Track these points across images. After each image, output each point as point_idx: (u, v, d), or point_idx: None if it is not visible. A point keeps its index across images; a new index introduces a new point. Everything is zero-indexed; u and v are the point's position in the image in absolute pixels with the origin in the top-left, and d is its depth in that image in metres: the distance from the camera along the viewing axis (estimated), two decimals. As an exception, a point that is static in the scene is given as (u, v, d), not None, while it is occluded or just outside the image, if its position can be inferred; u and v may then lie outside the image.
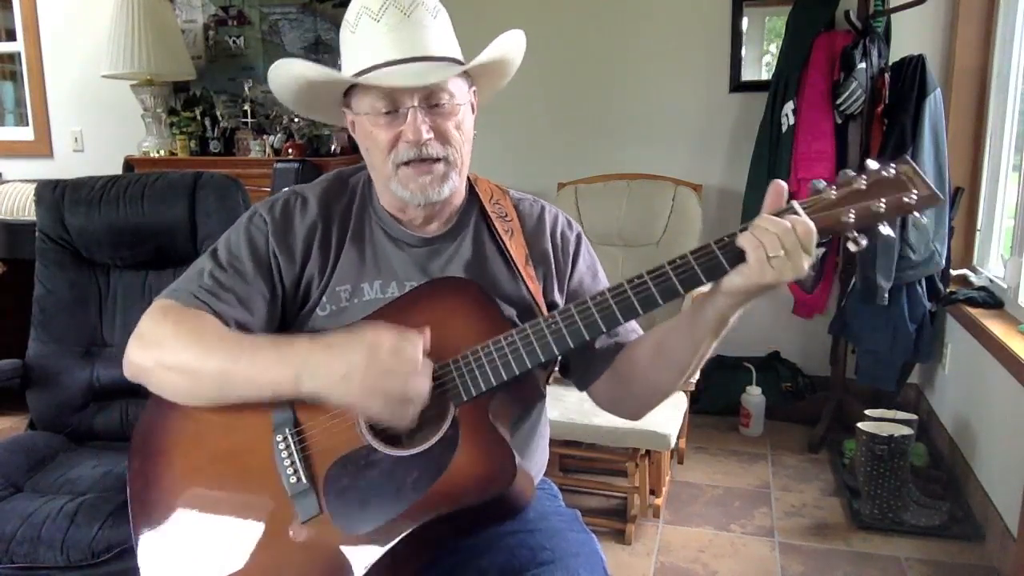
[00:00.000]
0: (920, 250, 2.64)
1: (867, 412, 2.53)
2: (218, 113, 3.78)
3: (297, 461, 1.01)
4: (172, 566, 1.02)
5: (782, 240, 0.88)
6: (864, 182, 0.90)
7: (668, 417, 2.27)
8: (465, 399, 0.99)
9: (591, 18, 3.35)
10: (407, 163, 1.07)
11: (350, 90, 1.10)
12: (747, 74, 3.26)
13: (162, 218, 1.82)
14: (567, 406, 2.29)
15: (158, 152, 3.74)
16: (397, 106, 1.05)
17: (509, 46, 1.11)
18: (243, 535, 1.00)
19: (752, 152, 3.05)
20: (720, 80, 3.24)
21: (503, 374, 0.98)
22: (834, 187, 0.92)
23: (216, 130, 3.74)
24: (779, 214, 0.91)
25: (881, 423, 2.43)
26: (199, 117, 3.77)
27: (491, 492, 0.93)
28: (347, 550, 0.96)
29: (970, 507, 2.41)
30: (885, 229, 0.91)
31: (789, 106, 2.88)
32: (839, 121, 2.85)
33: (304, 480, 1.00)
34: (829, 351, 3.10)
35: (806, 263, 0.89)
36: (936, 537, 2.31)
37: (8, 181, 3.87)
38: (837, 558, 2.23)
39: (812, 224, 0.89)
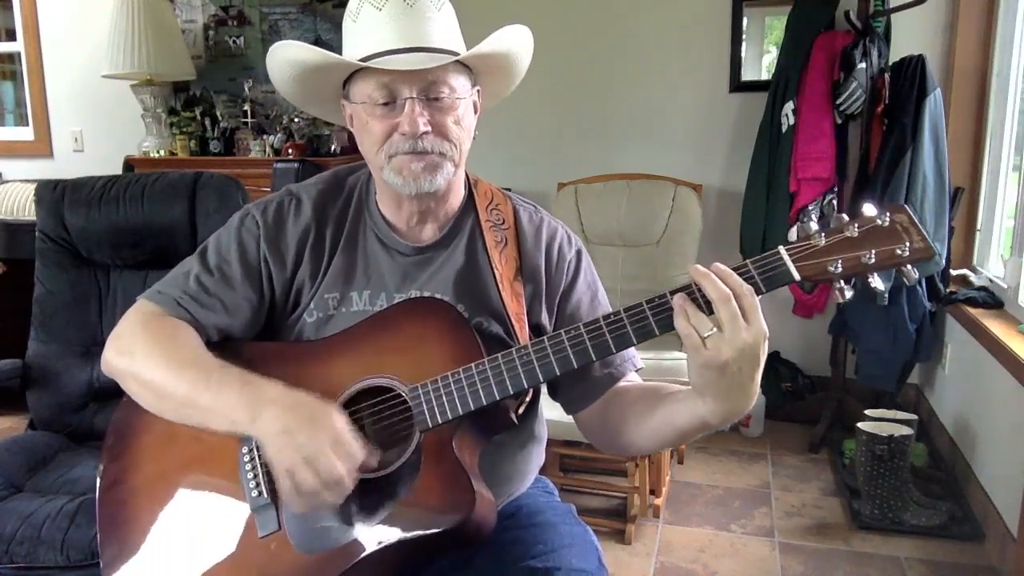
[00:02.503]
0: (920, 250, 2.64)
1: (867, 412, 2.53)
2: (218, 113, 3.78)
3: (260, 475, 1.00)
4: (130, 571, 1.02)
5: (718, 309, 0.83)
6: (856, 229, 0.86)
7: (668, 417, 2.27)
8: (430, 426, 0.97)
9: (591, 18, 3.35)
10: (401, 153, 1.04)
11: (349, 80, 1.07)
12: (747, 74, 3.26)
13: (162, 218, 1.82)
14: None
15: (158, 152, 3.74)
16: (395, 96, 1.02)
17: (511, 40, 1.08)
18: (201, 547, 1.00)
19: (752, 152, 3.05)
20: (720, 80, 3.24)
21: (470, 404, 0.95)
22: (824, 233, 0.87)
23: (216, 130, 3.74)
24: (766, 260, 0.87)
25: (881, 423, 2.43)
26: (199, 117, 3.77)
27: (446, 523, 0.92)
28: (300, 570, 0.95)
29: (970, 507, 2.41)
30: (875, 281, 0.87)
31: (789, 106, 2.88)
32: (839, 121, 2.85)
33: (265, 495, 0.99)
34: (829, 351, 3.10)
35: (743, 333, 0.83)
36: (936, 537, 2.30)
37: (8, 181, 3.87)
38: (837, 558, 2.23)
39: (753, 296, 0.85)
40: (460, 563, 1.09)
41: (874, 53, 2.74)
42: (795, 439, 3.05)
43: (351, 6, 1.06)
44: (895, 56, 2.81)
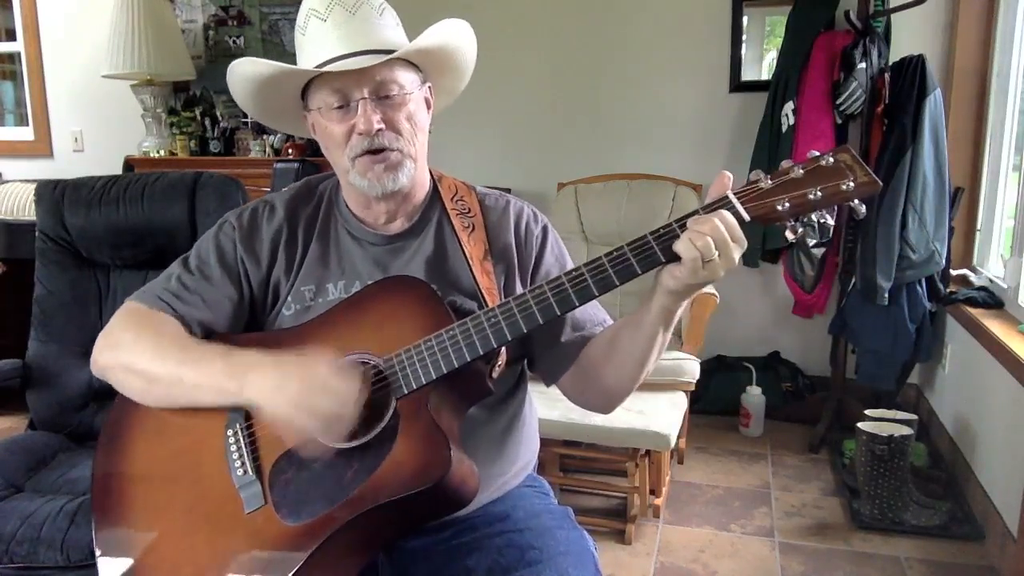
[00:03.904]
0: (920, 250, 2.64)
1: (867, 412, 2.53)
2: (218, 113, 3.78)
3: (245, 454, 1.04)
4: (127, 557, 1.05)
5: (716, 242, 0.89)
6: (801, 170, 0.91)
7: (668, 417, 2.27)
8: (406, 392, 1.00)
9: (591, 18, 3.35)
10: (363, 154, 1.09)
11: (306, 91, 1.12)
12: (747, 74, 3.26)
13: (162, 218, 1.82)
14: (567, 406, 2.28)
15: (158, 152, 3.75)
16: (348, 99, 1.07)
17: (447, 34, 1.12)
18: (192, 527, 1.03)
19: (752, 152, 3.05)
20: (720, 80, 3.25)
21: (442, 367, 0.99)
22: (770, 176, 0.92)
23: (216, 130, 3.74)
24: (716, 205, 0.93)
25: (881, 423, 2.43)
26: (199, 117, 3.77)
27: (426, 481, 0.94)
28: (288, 540, 0.98)
29: (970, 507, 2.41)
30: (825, 218, 0.91)
31: (789, 106, 2.89)
32: (839, 121, 2.85)
33: (251, 472, 1.03)
34: (829, 351, 3.10)
35: (737, 254, 0.91)
36: (936, 537, 2.30)
37: (8, 181, 3.87)
38: (837, 558, 2.23)
39: (734, 220, 0.91)
40: (453, 565, 1.09)
41: (874, 53, 2.74)
42: (795, 439, 3.04)
43: (299, 20, 1.12)
44: (895, 56, 2.81)
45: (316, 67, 1.08)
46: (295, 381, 0.97)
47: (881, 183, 0.93)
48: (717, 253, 0.89)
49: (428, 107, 1.16)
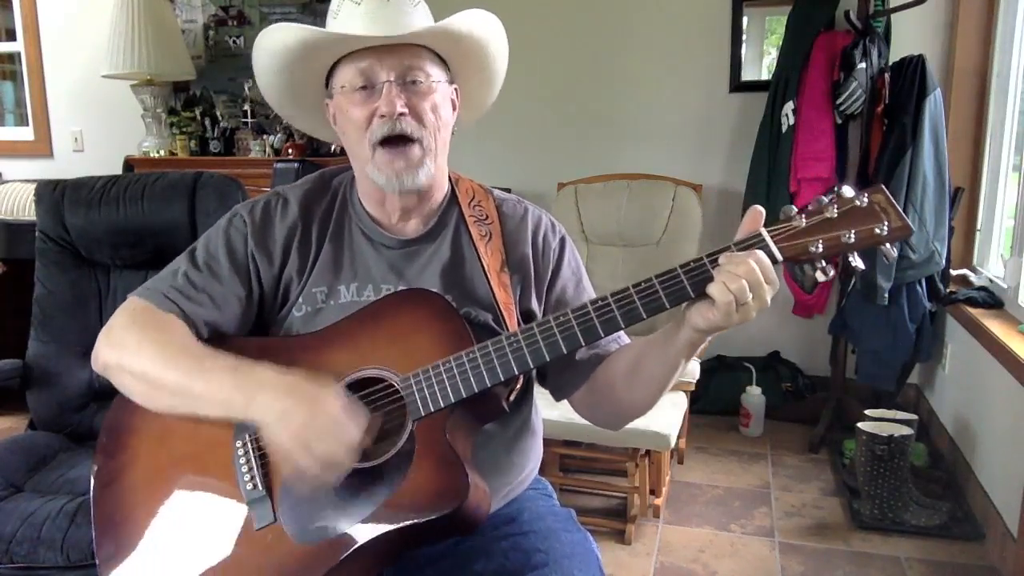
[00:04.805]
0: (920, 250, 2.64)
1: (867, 412, 2.53)
2: (218, 113, 3.78)
3: (255, 468, 1.01)
4: (128, 569, 1.02)
5: (750, 284, 0.86)
6: (835, 210, 0.88)
7: (668, 417, 2.27)
8: (423, 414, 0.98)
9: (591, 18, 3.35)
10: (383, 143, 1.06)
11: (331, 74, 1.10)
12: (747, 74, 3.26)
13: (162, 218, 1.82)
14: (568, 406, 2.29)
15: (158, 152, 3.75)
16: (373, 81, 1.05)
17: (477, 23, 1.09)
18: (198, 541, 1.01)
19: (752, 152, 3.05)
20: (720, 80, 3.25)
21: (461, 391, 0.97)
22: (804, 215, 0.89)
23: (216, 130, 3.74)
24: (749, 243, 0.90)
25: (881, 423, 2.43)
26: (199, 117, 3.77)
27: (442, 509, 0.92)
28: (298, 560, 0.96)
29: (970, 507, 2.41)
30: (855, 260, 0.89)
31: (789, 106, 2.88)
32: (839, 121, 2.85)
33: (260, 487, 1.00)
34: (829, 351, 3.10)
35: (769, 296, 0.88)
36: (936, 537, 2.30)
37: (8, 181, 3.87)
38: (837, 558, 2.23)
39: (768, 261, 0.89)
40: (460, 571, 1.08)
41: (874, 53, 2.74)
42: (795, 439, 3.04)
43: (332, 6, 1.09)
44: (895, 56, 2.82)
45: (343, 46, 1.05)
46: (301, 414, 0.93)
47: (913, 229, 0.91)
48: (751, 295, 0.86)
49: (454, 108, 1.13)
